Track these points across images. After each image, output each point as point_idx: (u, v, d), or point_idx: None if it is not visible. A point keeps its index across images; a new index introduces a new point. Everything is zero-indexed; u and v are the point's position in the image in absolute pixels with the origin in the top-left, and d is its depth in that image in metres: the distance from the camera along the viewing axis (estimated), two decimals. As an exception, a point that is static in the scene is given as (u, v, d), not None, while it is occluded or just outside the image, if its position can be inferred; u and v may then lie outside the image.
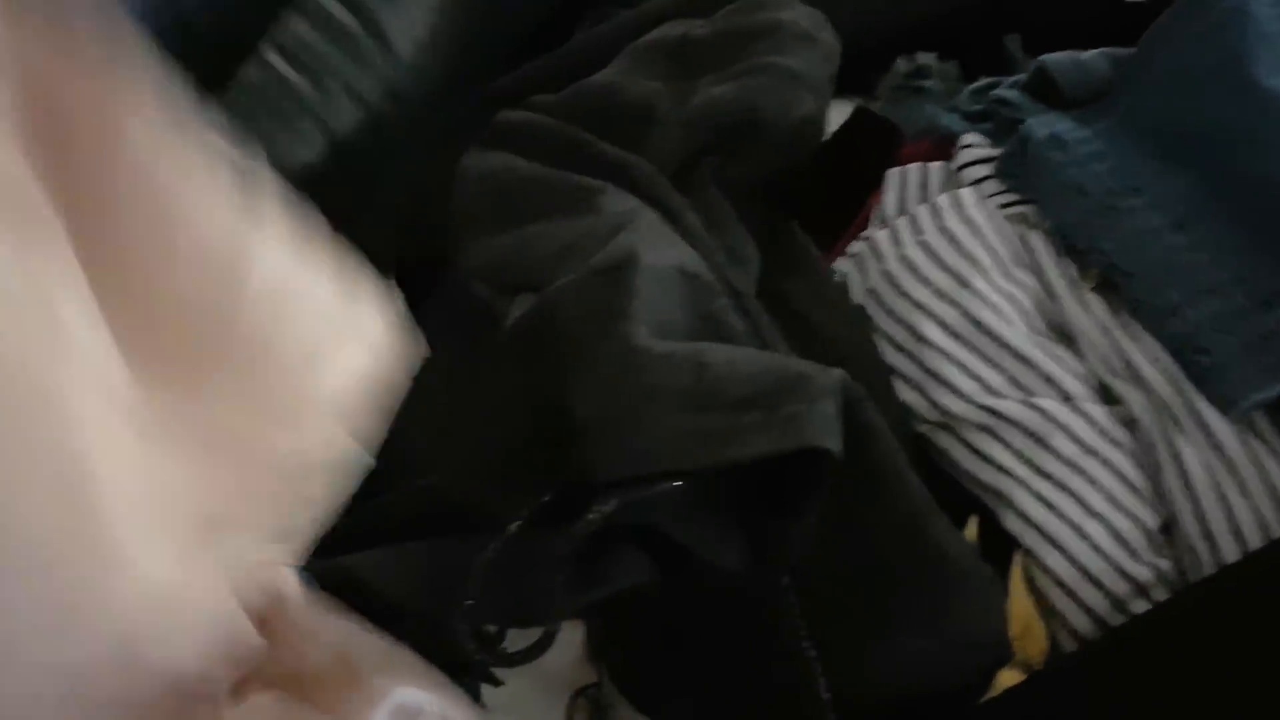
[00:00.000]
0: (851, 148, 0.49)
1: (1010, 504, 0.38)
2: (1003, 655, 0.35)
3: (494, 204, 0.46)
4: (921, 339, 0.40)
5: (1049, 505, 0.37)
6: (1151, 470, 0.39)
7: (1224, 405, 0.39)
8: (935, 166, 0.47)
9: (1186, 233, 0.41)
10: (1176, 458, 0.38)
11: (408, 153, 0.63)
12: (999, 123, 0.47)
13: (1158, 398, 0.39)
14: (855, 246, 0.45)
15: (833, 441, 0.32)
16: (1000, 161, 0.45)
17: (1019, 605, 0.37)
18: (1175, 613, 0.36)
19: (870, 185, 0.48)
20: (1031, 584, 0.37)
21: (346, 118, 0.60)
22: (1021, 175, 0.44)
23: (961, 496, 0.39)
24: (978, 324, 0.40)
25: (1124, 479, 0.38)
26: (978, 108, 0.48)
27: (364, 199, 0.62)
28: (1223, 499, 0.38)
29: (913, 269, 0.41)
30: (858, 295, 0.44)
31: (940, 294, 0.40)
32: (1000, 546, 0.38)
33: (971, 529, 0.38)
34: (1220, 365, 0.39)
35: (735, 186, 0.45)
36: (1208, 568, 0.37)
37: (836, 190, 0.49)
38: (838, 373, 0.34)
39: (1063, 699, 0.36)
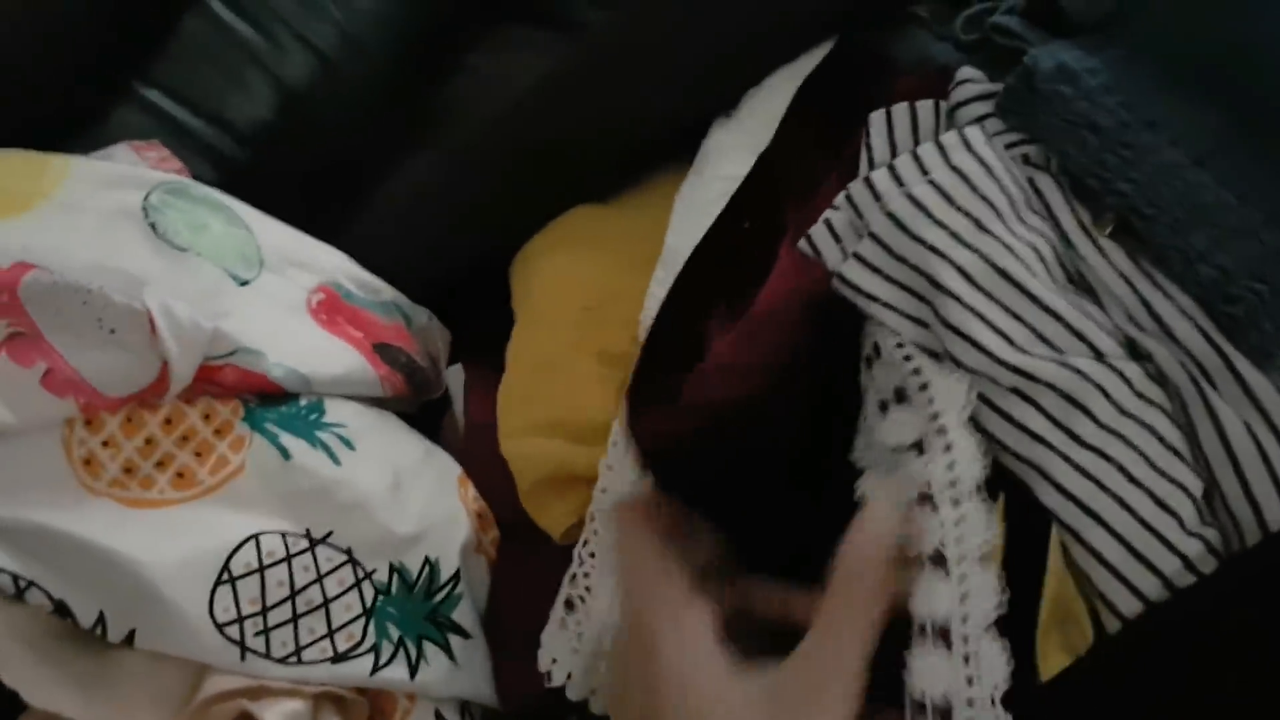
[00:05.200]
0: (834, 83, 0.44)
1: (1046, 476, 0.33)
2: None
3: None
4: (940, 288, 0.35)
5: (1088, 476, 0.33)
6: (1187, 431, 0.35)
7: (1260, 358, 0.35)
8: (924, 105, 0.43)
9: (1210, 169, 0.37)
10: (1213, 416, 0.35)
11: (368, 108, 0.58)
12: (992, 53, 0.43)
13: (1188, 352, 0.36)
14: (845, 193, 0.40)
15: None
16: (1002, 97, 0.40)
17: (1058, 588, 0.33)
18: (1226, 583, 0.33)
19: (853, 126, 0.43)
20: (1071, 564, 0.33)
21: (299, 70, 0.55)
22: (1026, 112, 0.40)
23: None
24: (1001, 272, 0.35)
25: (1165, 442, 0.34)
26: (973, 36, 0.43)
27: (320, 158, 0.56)
28: (1264, 458, 0.34)
29: (923, 209, 0.36)
30: (851, 244, 0.39)
31: (957, 238, 0.36)
32: (1034, 524, 0.34)
33: (998, 509, 0.34)
34: (1253, 314, 0.36)
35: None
36: (1251, 534, 0.34)
37: (817, 133, 0.44)
38: None
39: (1110, 684, 0.32)
